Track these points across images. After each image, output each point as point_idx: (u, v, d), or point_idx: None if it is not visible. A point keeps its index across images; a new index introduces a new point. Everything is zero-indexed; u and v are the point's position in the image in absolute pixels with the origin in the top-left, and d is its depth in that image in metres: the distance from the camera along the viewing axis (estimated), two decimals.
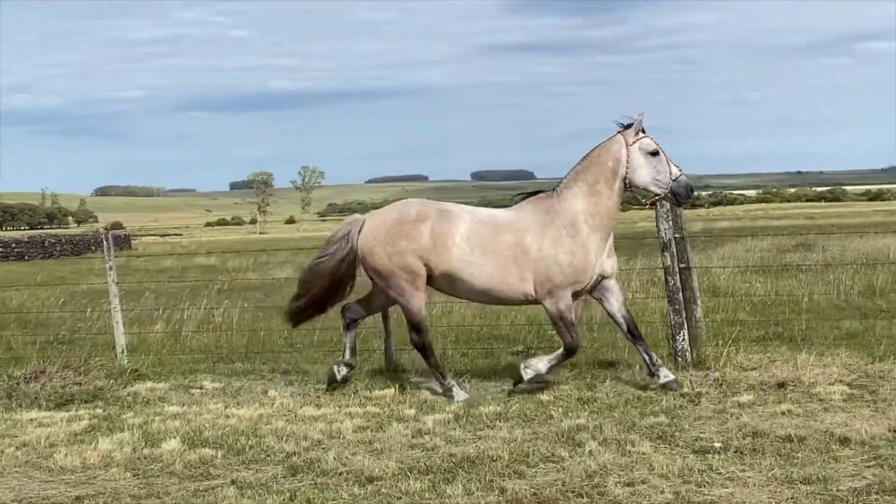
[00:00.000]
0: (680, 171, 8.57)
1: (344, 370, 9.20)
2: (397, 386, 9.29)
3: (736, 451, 6.70)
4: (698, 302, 9.71)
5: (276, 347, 12.18)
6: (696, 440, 7.04)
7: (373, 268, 8.79)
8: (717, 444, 6.87)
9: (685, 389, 8.64)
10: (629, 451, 6.82)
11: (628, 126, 8.63)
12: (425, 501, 6.05)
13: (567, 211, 8.54)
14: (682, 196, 8.65)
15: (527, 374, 8.66)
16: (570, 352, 8.72)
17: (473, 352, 11.06)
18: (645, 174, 8.54)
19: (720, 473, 6.26)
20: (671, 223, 9.50)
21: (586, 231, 8.50)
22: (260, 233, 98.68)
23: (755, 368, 9.10)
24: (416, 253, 8.57)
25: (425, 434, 7.63)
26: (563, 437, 7.32)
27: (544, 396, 8.68)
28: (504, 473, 6.50)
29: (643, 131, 8.60)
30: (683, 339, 9.50)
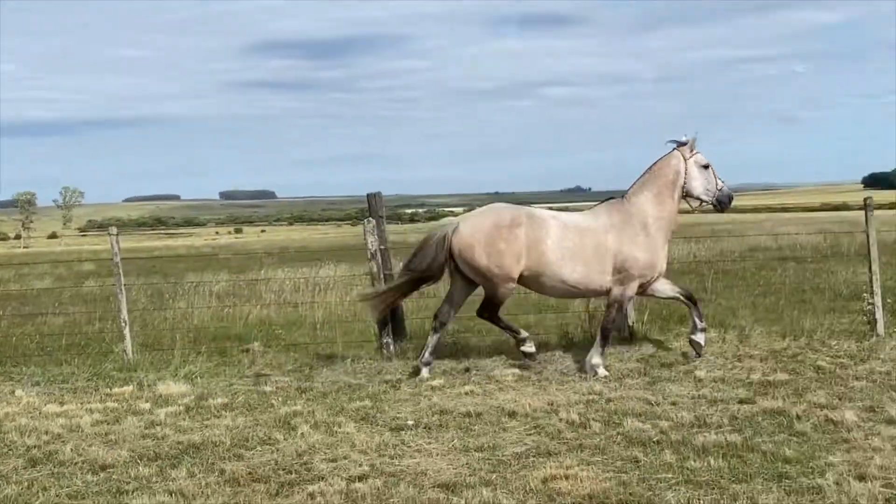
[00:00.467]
0: (723, 182, 8.99)
1: (425, 370, 8.96)
2: (136, 383, 9.13)
3: (425, 427, 7.11)
4: (400, 303, 10.16)
5: (27, 352, 11.45)
6: (394, 419, 7.40)
7: (472, 266, 8.78)
8: (410, 422, 7.25)
9: (388, 377, 9.03)
10: (335, 432, 7.08)
11: (683, 144, 9.00)
12: (152, 485, 6.01)
13: (639, 214, 8.79)
14: (724, 203, 9.04)
15: (600, 371, 8.63)
16: (604, 337, 8.87)
17: (208, 350, 10.92)
18: (699, 185, 8.92)
19: (410, 446, 6.64)
20: (377, 237, 9.92)
21: (654, 231, 8.78)
22: (24, 247, 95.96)
23: (447, 357, 9.64)
24: (513, 255, 8.62)
25: (157, 425, 7.55)
26: (280, 422, 7.47)
27: (268, 388, 8.79)
28: (225, 457, 6.59)
29: (684, 146, 8.98)
30: (388, 334, 9.91)
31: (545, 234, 8.68)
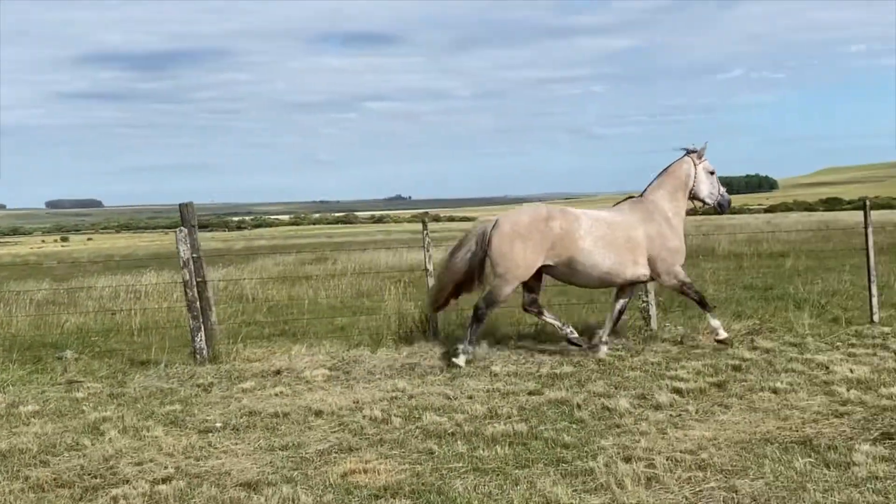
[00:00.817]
0: (724, 188, 9.55)
1: (462, 358, 8.82)
2: None
3: (233, 429, 6.85)
4: (213, 308, 9.85)
5: None
6: (203, 422, 7.09)
7: (501, 257, 8.88)
8: (219, 424, 6.97)
9: (200, 381, 8.66)
10: (144, 436, 6.71)
11: (693, 151, 9.42)
12: None
13: (660, 210, 9.19)
14: (724, 207, 9.55)
15: (720, 333, 9.09)
16: (702, 303, 9.24)
17: (22, 358, 10.12)
18: (705, 188, 9.40)
19: (216, 448, 6.38)
20: (189, 245, 9.52)
21: (676, 224, 9.24)
22: None
23: (259, 360, 9.36)
24: (545, 245, 8.85)
25: None
26: (89, 428, 7.04)
27: (80, 394, 8.25)
28: (31, 463, 6.16)
29: (692, 153, 9.41)
30: (201, 340, 9.53)
31: (576, 225, 8.96)
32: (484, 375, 8.40)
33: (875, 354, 8.53)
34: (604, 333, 9.26)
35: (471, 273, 9.17)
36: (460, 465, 5.73)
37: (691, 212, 9.61)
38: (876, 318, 10.21)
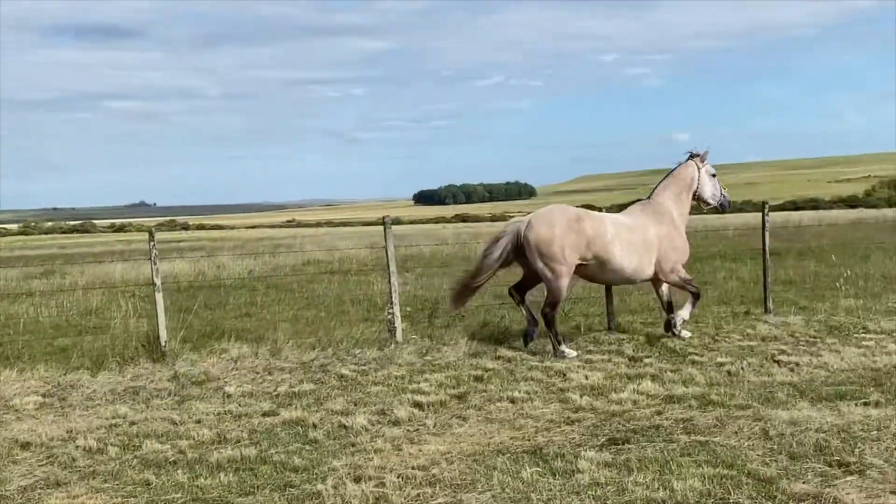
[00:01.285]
0: (725, 190, 10.70)
1: (534, 331, 10.02)
2: None
3: None
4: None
5: None
6: None
7: (545, 255, 9.68)
8: None
9: None
10: None
11: (696, 155, 10.55)
12: None
13: (667, 212, 10.26)
14: (725, 207, 10.72)
15: (679, 324, 10.22)
16: (697, 296, 10.41)
17: None
18: (708, 190, 10.54)
19: None
20: None
21: (680, 225, 10.34)
22: None
23: None
24: (581, 245, 9.71)
25: None
26: None
27: None
28: None
29: (694, 157, 10.55)
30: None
31: (603, 228, 9.84)
32: (216, 397, 8.15)
33: (610, 360, 9.22)
34: (676, 319, 10.28)
35: (499, 269, 10.19)
36: (178, 495, 5.50)
37: (695, 211, 10.85)
38: (613, 324, 11.07)
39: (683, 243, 10.37)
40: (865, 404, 7.09)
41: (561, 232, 9.68)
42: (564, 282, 9.73)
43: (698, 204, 10.69)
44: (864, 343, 9.72)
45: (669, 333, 10.26)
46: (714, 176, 10.66)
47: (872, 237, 24.47)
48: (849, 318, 11.16)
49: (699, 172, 10.56)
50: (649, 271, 10.13)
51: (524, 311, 10.24)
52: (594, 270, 9.98)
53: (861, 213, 50.78)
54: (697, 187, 10.53)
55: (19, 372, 9.15)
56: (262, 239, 47.15)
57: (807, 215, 44.94)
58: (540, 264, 9.72)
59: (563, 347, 9.65)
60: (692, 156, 10.64)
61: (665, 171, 10.85)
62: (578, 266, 9.83)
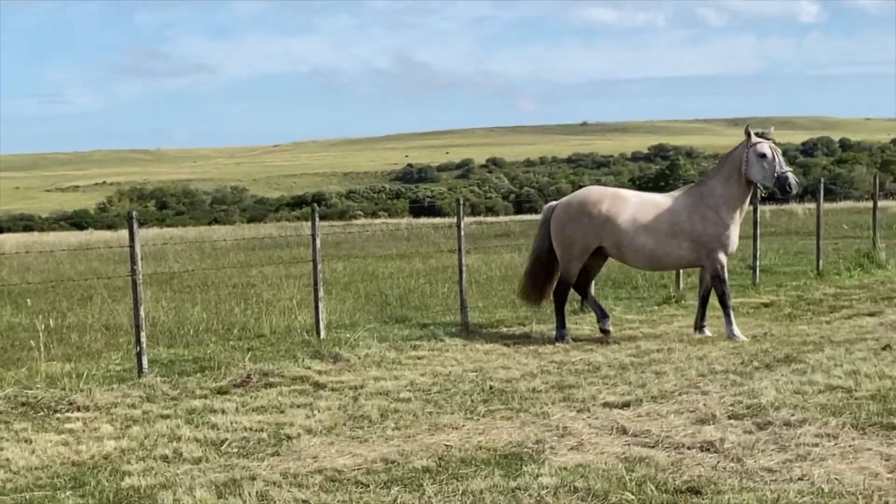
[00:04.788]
0: (785, 170, 13.96)
1: (607, 322, 14.89)
2: None
3: None
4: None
5: None
6: None
7: (559, 238, 14.75)
8: None
9: None
10: None
11: (750, 133, 14.17)
12: None
13: (711, 195, 14.27)
14: (783, 190, 14.00)
15: (739, 336, 14.10)
16: (725, 304, 14.37)
17: None
18: (756, 171, 14.06)
19: None
20: None
21: (725, 210, 14.19)
22: None
23: None
24: (592, 229, 14.43)
25: None
26: None
27: None
28: None
29: (760, 136, 14.18)
30: None
31: (622, 209, 14.31)
32: None
33: None
34: (698, 319, 14.69)
35: (546, 256, 15.04)
36: None
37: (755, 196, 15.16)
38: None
39: (720, 230, 14.11)
40: None
41: (575, 216, 14.54)
42: (575, 265, 14.71)
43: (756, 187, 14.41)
44: (68, 426, 10.23)
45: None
46: (763, 156, 13.88)
47: (99, 270, 26.13)
48: (51, 390, 11.63)
49: (747, 152, 14.01)
50: (678, 255, 14.44)
51: (591, 307, 15.35)
52: (614, 252, 14.68)
53: (91, 235, 53.78)
54: (745, 169, 14.01)
55: None
56: None
57: (12, 240, 45.99)
58: (555, 247, 14.81)
59: (563, 331, 14.67)
60: (748, 134, 14.15)
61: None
62: (602, 248, 14.66)
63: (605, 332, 14.67)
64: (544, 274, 15.29)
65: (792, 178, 13.88)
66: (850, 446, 8.39)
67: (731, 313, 14.26)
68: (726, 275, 14.44)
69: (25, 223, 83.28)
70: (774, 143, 14.21)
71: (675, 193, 14.90)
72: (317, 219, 15.44)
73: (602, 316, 14.82)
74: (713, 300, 14.59)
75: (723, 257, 14.31)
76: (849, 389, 10.29)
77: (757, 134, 14.13)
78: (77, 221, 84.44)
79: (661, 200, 14.71)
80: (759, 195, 17.84)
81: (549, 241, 14.97)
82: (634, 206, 14.45)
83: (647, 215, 14.34)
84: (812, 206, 34.98)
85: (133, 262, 12.87)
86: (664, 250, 14.38)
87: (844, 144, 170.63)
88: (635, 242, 14.35)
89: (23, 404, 11.15)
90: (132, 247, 12.87)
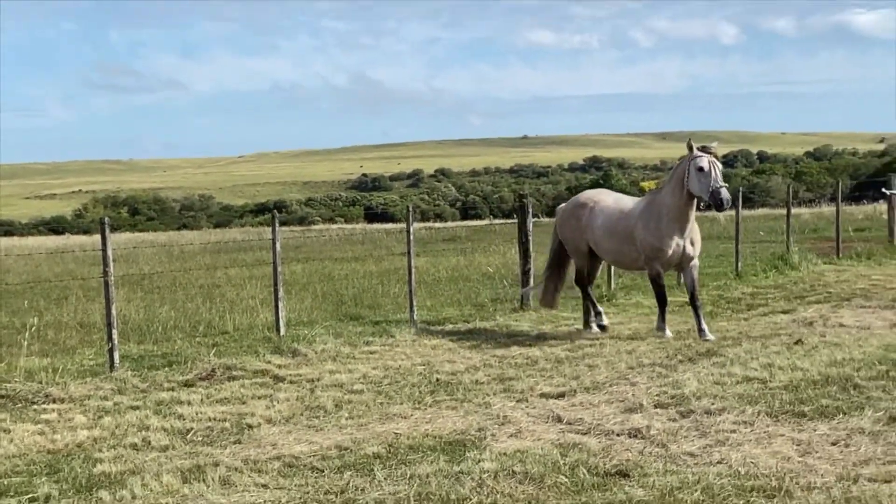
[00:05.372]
0: (721, 185, 13.44)
1: (603, 319, 14.81)
2: None
3: None
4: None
5: None
6: None
7: (563, 239, 15.21)
8: None
9: None
10: None
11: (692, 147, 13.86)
12: None
13: (659, 205, 14.00)
14: (716, 203, 13.47)
15: (665, 334, 13.93)
16: (659, 304, 14.30)
17: None
18: (694, 184, 13.58)
19: None
20: None
21: (667, 221, 13.85)
22: None
23: None
24: (578, 230, 14.82)
25: None
26: None
27: None
28: None
29: (702, 150, 13.78)
30: None
31: (597, 214, 14.58)
32: None
33: None
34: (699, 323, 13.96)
35: (557, 256, 15.54)
36: None
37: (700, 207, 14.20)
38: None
39: (657, 238, 13.81)
40: (33, 501, 7.36)
41: (567, 217, 15.07)
42: (578, 262, 15.12)
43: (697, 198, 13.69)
44: (44, 417, 10.13)
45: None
46: (701, 170, 13.39)
47: (75, 272, 25.85)
48: (29, 383, 11.50)
49: (689, 165, 13.58)
50: (632, 258, 14.42)
51: (589, 303, 15.01)
52: (596, 252, 14.88)
53: (68, 239, 53.21)
54: (687, 181, 13.58)
55: None
56: None
57: None
58: (567, 248, 15.28)
59: (593, 318, 14.84)
60: (690, 147, 13.77)
61: None
62: (591, 249, 14.86)
63: (601, 327, 14.63)
64: (556, 276, 15.52)
65: (724, 192, 13.41)
66: (764, 432, 8.48)
67: (665, 314, 14.17)
68: (663, 280, 14.34)
69: (6, 229, 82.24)
70: (716, 157, 13.84)
71: (642, 198, 14.77)
72: (277, 224, 15.36)
73: (596, 313, 14.79)
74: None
75: (657, 265, 14.12)
76: (764, 381, 10.40)
77: (699, 148, 13.77)
78: (54, 227, 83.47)
79: (627, 206, 14.60)
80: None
81: (558, 241, 15.33)
82: (608, 211, 14.51)
83: (612, 220, 14.40)
84: (732, 213, 35.29)
85: (105, 264, 12.76)
86: (622, 253, 14.46)
87: (762, 156, 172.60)
88: (602, 246, 14.59)
89: (1, 397, 11.04)
90: (104, 250, 12.76)
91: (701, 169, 13.50)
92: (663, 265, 14.23)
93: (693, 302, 14.14)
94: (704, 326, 13.82)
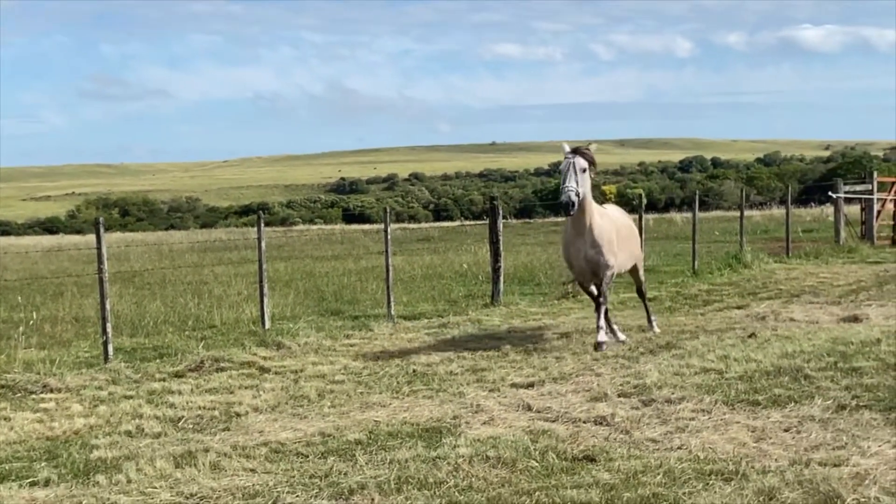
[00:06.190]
0: (566, 187, 12.12)
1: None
2: None
3: None
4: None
5: None
6: None
7: None
8: None
9: None
10: None
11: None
12: None
13: None
14: (560, 206, 12.41)
15: (604, 344, 12.35)
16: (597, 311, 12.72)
17: None
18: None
19: None
20: None
21: (568, 227, 12.92)
22: None
23: None
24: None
25: None
26: None
27: None
28: None
29: (573, 153, 12.37)
30: None
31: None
32: None
33: None
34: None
35: None
36: None
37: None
38: None
39: (563, 247, 13.16)
40: (33, 485, 7.31)
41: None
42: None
43: None
44: (42, 406, 10.06)
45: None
46: (559, 172, 12.43)
47: (70, 269, 25.65)
48: (27, 374, 11.42)
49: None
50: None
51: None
52: None
53: (62, 239, 52.85)
54: None
55: None
56: None
57: None
58: None
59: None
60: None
61: None
62: None
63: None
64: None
65: (564, 196, 12.07)
66: (721, 420, 8.51)
67: (602, 320, 12.54)
68: (583, 287, 13.47)
69: (3, 229, 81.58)
70: (589, 159, 12.37)
71: None
72: (262, 225, 15.34)
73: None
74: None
75: (573, 274, 13.45)
76: (720, 371, 10.44)
77: (571, 151, 12.39)
78: (49, 227, 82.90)
79: None
80: (642, 204, 18.07)
81: None
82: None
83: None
84: (688, 215, 35.48)
85: (100, 261, 12.70)
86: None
87: (715, 162, 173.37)
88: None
89: (2, 387, 10.95)
90: (99, 248, 12.70)
91: (559, 171, 12.56)
92: (576, 274, 13.22)
93: (597, 307, 12.67)
94: (603, 338, 12.33)
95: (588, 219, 12.52)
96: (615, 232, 12.97)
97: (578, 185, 12.15)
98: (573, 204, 12.12)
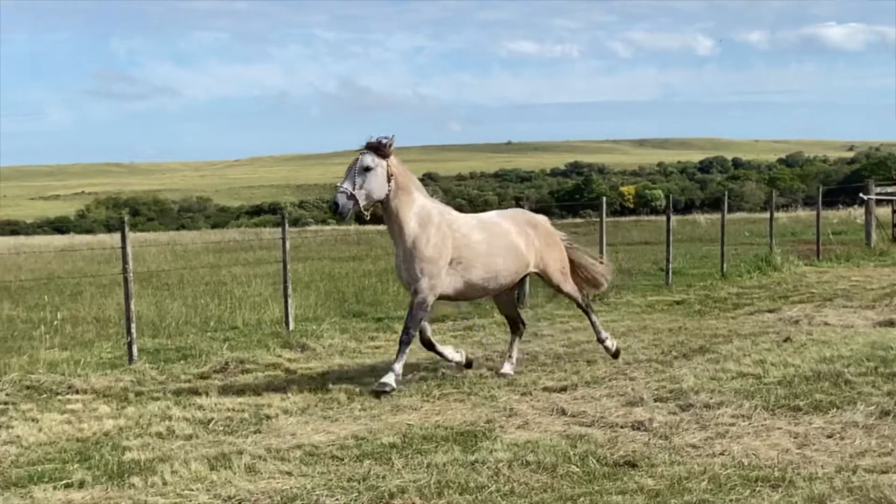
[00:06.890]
0: (339, 186, 10.89)
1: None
2: None
3: None
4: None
5: None
6: None
7: None
8: None
9: None
10: None
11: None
12: None
13: None
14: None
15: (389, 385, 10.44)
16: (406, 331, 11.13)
17: None
18: None
19: None
20: None
21: None
22: None
23: None
24: None
25: None
26: None
27: None
28: None
29: (365, 148, 11.06)
30: None
31: None
32: None
33: None
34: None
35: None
36: None
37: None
38: None
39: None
40: (68, 486, 7.36)
41: None
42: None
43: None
44: (69, 407, 10.12)
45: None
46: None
47: (85, 269, 25.78)
48: (52, 375, 11.50)
49: None
50: None
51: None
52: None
53: (73, 238, 53.05)
54: None
55: None
56: None
57: (2, 242, 45.31)
58: None
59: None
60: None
61: None
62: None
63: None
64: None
65: (337, 197, 10.84)
66: (762, 425, 8.52)
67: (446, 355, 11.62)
68: (412, 312, 11.29)
69: (12, 228, 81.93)
70: (380, 153, 11.02)
71: None
72: (286, 225, 15.42)
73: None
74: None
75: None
76: (758, 376, 10.44)
77: (366, 146, 11.09)
78: (59, 226, 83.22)
79: None
80: (669, 205, 17.90)
81: None
82: None
83: None
84: (712, 216, 35.41)
85: (125, 261, 12.81)
86: None
87: (737, 163, 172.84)
88: None
89: (27, 387, 11.06)
90: (124, 248, 12.81)
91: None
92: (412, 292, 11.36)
93: (399, 341, 11.14)
94: (389, 381, 10.52)
95: (398, 226, 11.04)
96: (463, 246, 11.19)
97: (355, 186, 10.74)
98: (338, 206, 10.71)
